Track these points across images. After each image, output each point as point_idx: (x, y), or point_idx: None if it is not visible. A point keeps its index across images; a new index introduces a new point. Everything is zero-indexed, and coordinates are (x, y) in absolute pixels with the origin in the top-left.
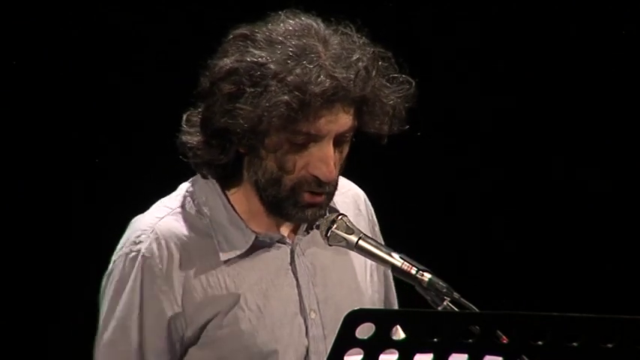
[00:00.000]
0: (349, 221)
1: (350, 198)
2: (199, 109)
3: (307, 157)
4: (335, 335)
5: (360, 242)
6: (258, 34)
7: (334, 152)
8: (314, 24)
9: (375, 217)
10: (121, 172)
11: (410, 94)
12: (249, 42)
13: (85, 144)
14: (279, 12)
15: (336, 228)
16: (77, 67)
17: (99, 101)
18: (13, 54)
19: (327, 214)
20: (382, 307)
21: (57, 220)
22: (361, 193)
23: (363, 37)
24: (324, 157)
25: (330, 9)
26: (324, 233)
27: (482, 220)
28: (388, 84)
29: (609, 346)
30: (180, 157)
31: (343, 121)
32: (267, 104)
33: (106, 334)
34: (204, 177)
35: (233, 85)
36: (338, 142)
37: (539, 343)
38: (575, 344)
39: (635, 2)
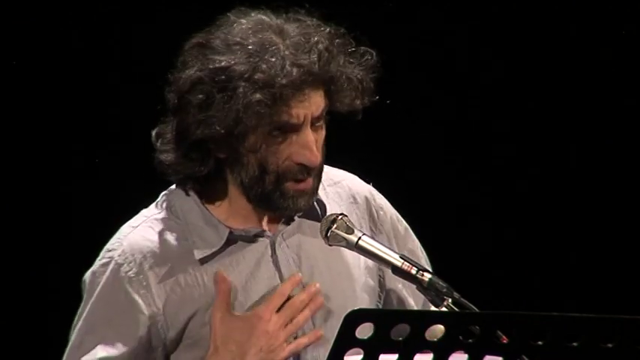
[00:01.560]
0: (349, 221)
1: (344, 188)
2: (170, 125)
3: (289, 147)
4: (325, 321)
5: (360, 242)
6: (213, 40)
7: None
8: (265, 18)
9: (380, 214)
10: (121, 172)
11: (373, 64)
12: (207, 50)
13: (84, 144)
14: (227, 14)
15: (336, 228)
16: (77, 67)
17: (99, 101)
18: (13, 54)
19: (328, 214)
20: (378, 293)
21: (57, 220)
22: (364, 188)
23: (315, 19)
24: (306, 143)
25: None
26: (324, 233)
27: (483, 220)
28: (351, 59)
29: (609, 346)
30: (162, 176)
31: (316, 104)
32: (241, 106)
33: (73, 338)
34: (188, 191)
35: (201, 94)
36: (314, 125)
37: (539, 343)
38: (575, 344)
39: (635, 2)
